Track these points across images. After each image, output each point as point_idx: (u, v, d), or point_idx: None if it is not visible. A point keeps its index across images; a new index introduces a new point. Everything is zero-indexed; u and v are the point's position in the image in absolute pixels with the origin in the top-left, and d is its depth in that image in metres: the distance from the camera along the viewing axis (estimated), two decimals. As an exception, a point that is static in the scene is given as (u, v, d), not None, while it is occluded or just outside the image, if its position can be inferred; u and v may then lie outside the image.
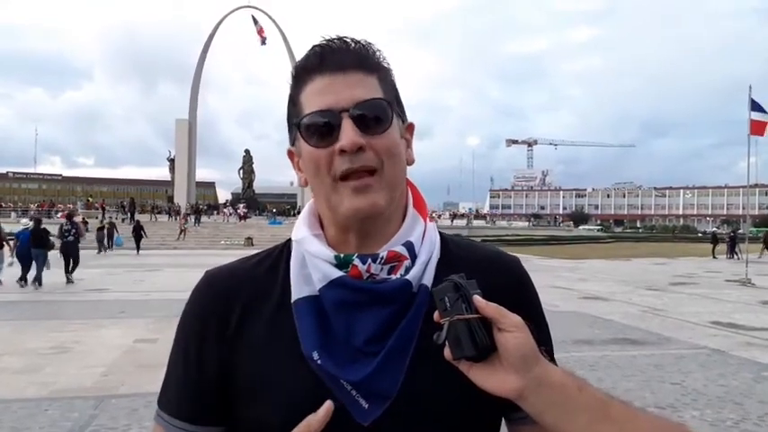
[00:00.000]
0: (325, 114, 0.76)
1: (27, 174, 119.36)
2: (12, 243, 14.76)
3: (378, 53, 0.82)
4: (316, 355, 0.76)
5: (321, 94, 0.77)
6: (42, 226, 14.16)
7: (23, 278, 13.47)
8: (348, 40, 0.80)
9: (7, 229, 15.92)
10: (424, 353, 0.75)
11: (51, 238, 14.14)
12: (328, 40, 0.80)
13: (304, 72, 0.80)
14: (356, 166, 0.75)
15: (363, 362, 0.76)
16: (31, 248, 13.54)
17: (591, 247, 39.93)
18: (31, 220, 15.89)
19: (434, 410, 0.76)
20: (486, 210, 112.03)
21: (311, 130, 0.78)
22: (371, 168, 0.76)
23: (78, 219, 17.58)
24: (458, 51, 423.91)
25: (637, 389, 5.66)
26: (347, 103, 0.76)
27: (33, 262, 13.44)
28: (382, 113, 0.78)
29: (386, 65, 0.83)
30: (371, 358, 0.76)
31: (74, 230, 14.93)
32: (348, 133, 0.75)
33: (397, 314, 0.77)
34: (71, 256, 14.59)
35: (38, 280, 13.38)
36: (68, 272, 14.49)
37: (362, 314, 0.77)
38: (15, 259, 14.04)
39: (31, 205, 56.18)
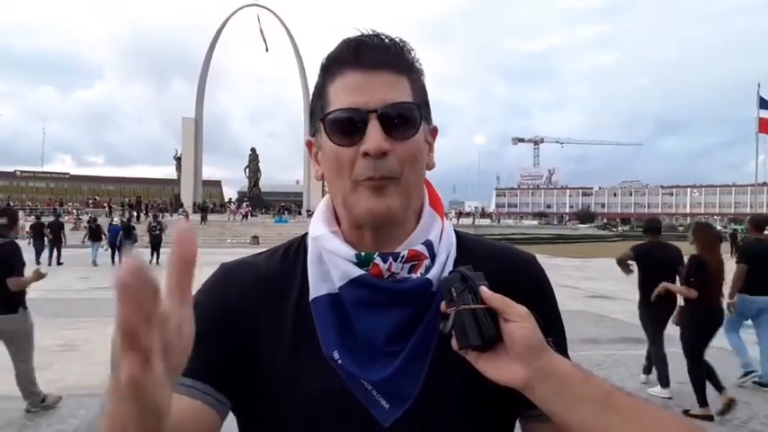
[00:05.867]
0: (352, 113, 0.75)
1: (34, 172, 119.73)
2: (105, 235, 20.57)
3: (412, 53, 0.80)
4: (336, 355, 0.75)
5: (351, 91, 0.76)
6: (132, 224, 21.14)
7: (113, 261, 19.20)
8: (383, 37, 0.78)
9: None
10: (445, 353, 0.75)
11: (136, 233, 20.37)
12: (363, 35, 0.78)
13: (336, 65, 0.78)
14: (378, 175, 0.74)
15: (384, 362, 0.75)
16: (123, 240, 19.17)
17: (597, 245, 39.73)
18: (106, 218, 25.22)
19: (455, 411, 0.76)
20: (491, 208, 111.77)
21: (336, 126, 0.76)
22: (392, 177, 0.75)
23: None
24: (464, 50, 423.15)
25: (643, 388, 5.68)
26: (376, 103, 0.74)
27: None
28: (410, 118, 0.77)
29: (418, 66, 0.81)
30: (392, 358, 0.75)
31: (159, 227, 20.30)
32: (374, 136, 0.73)
33: (418, 314, 0.77)
34: (157, 246, 19.59)
35: None
36: (152, 257, 19.05)
37: (383, 313, 0.76)
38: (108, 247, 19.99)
39: (38, 204, 56.40)
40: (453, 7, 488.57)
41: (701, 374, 5.00)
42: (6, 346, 4.87)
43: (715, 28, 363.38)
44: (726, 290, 5.36)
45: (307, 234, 0.87)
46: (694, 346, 5.12)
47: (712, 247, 5.20)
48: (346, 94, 0.76)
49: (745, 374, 5.86)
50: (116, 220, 23.54)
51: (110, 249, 19.88)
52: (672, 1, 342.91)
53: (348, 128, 0.75)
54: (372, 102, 0.74)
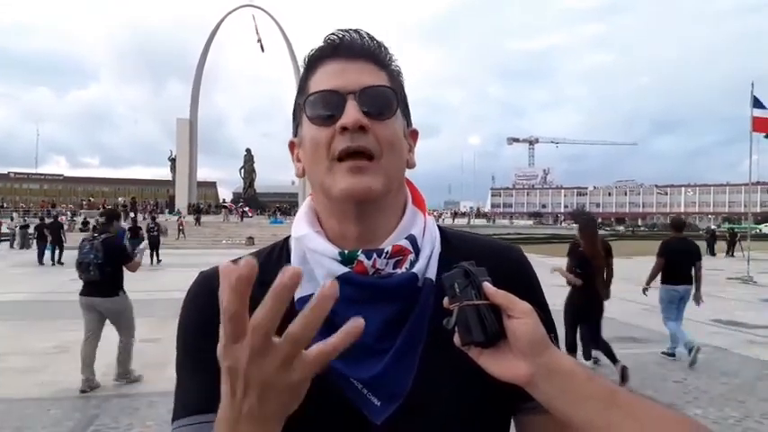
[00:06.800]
0: (330, 94, 0.76)
1: (28, 174, 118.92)
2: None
3: (390, 55, 0.83)
4: None
5: (330, 77, 0.78)
6: (138, 225, 21.38)
7: None
8: (363, 34, 0.81)
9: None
10: (434, 348, 0.74)
11: (143, 233, 20.86)
12: (344, 31, 0.81)
13: (317, 59, 0.81)
14: (355, 146, 0.75)
15: (373, 359, 0.74)
16: (130, 240, 19.48)
17: (592, 245, 39.68)
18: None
19: (447, 406, 0.75)
20: (487, 208, 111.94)
21: (316, 107, 0.77)
22: (370, 152, 0.75)
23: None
24: (464, 50, 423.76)
25: (639, 387, 5.69)
26: (355, 87, 0.76)
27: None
28: (387, 101, 0.78)
29: (396, 66, 0.84)
30: (381, 355, 0.74)
31: (157, 228, 21.70)
32: (351, 111, 0.75)
33: (405, 309, 0.76)
34: (156, 246, 20.97)
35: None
36: (156, 256, 21.03)
37: (370, 310, 0.74)
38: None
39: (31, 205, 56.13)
40: (453, 7, 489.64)
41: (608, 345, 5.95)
42: (114, 326, 5.82)
43: (715, 28, 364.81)
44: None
45: (289, 237, 0.86)
46: (572, 325, 6.06)
47: (594, 239, 6.13)
48: (326, 78, 0.78)
49: (689, 351, 6.68)
50: (122, 223, 24.50)
51: None
52: (672, 1, 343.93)
53: (327, 108, 0.77)
54: (351, 85, 0.76)
